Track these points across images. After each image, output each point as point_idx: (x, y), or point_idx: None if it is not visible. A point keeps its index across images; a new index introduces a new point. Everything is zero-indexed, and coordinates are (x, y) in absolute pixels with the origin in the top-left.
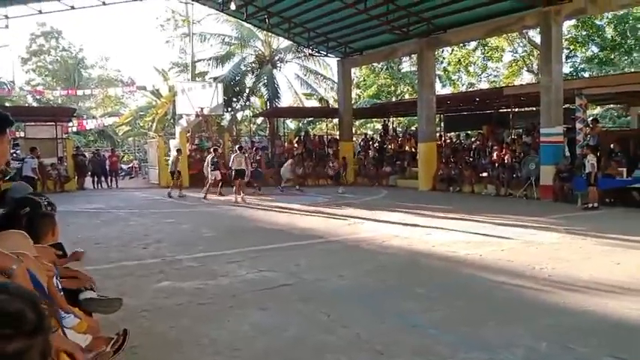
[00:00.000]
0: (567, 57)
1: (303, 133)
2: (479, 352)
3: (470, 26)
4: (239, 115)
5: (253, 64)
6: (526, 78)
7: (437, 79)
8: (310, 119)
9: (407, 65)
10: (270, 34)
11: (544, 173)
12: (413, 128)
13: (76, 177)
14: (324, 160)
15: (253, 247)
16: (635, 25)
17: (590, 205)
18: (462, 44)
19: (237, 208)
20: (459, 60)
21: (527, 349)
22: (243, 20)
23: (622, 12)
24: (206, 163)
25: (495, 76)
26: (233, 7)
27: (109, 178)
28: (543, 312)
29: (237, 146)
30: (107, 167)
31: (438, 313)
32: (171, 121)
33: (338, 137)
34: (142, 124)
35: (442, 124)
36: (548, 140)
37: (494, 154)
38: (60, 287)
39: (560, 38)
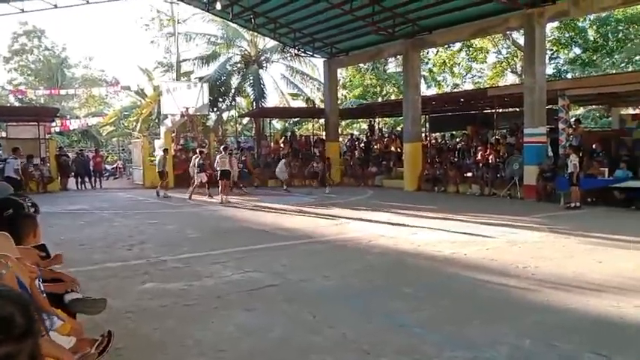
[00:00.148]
0: (550, 58)
1: (289, 134)
2: (464, 350)
3: (455, 27)
4: (225, 115)
5: (239, 64)
6: (510, 79)
7: (422, 80)
8: (296, 119)
9: (392, 66)
10: (256, 34)
11: (527, 173)
12: (398, 129)
13: (59, 178)
14: (310, 161)
15: (239, 247)
16: (616, 27)
17: (573, 205)
18: (447, 45)
19: (222, 209)
20: (444, 61)
21: (512, 347)
22: (228, 20)
23: (604, 14)
24: (192, 164)
25: (480, 77)
26: (218, 6)
27: (93, 178)
28: (527, 310)
29: (222, 146)
30: (91, 168)
31: (424, 313)
32: (156, 121)
33: (324, 137)
34: (126, 124)
35: (427, 125)
36: (532, 140)
37: (479, 155)
38: (42, 289)
39: (544, 40)
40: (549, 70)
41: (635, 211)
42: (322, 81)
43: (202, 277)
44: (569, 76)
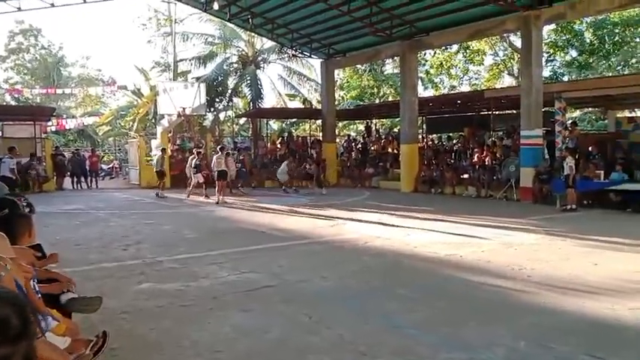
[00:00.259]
0: (547, 61)
1: (286, 134)
2: (460, 352)
3: (452, 29)
4: (222, 116)
5: (236, 65)
6: (507, 81)
7: (419, 82)
8: (293, 120)
9: (390, 67)
10: (253, 34)
11: (524, 175)
12: (395, 130)
13: (55, 177)
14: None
15: (235, 248)
16: (612, 29)
17: (569, 207)
18: (444, 47)
19: (219, 209)
20: (441, 63)
21: (508, 349)
22: (226, 20)
23: (600, 17)
24: (188, 164)
25: (476, 79)
26: (216, 7)
27: (89, 178)
28: (523, 312)
29: (219, 147)
30: (87, 167)
31: (419, 314)
32: (153, 121)
33: (321, 138)
34: (122, 124)
35: (424, 126)
36: (528, 143)
37: (475, 156)
38: (37, 289)
39: (540, 42)
40: (546, 72)
41: (630, 213)
42: (319, 82)
43: (199, 277)
44: (565, 78)
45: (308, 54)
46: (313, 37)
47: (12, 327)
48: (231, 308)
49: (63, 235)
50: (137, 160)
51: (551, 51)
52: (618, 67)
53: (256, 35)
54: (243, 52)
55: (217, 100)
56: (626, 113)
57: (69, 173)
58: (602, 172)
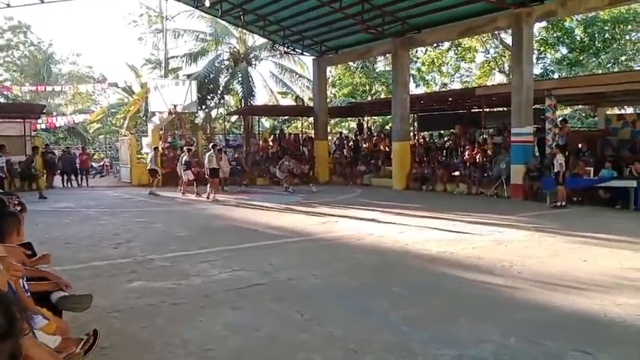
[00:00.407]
0: (538, 58)
1: (278, 132)
2: (449, 348)
3: (443, 27)
4: (213, 113)
5: (228, 62)
6: (498, 78)
7: (411, 79)
8: (285, 118)
9: (382, 65)
10: (245, 31)
11: (514, 172)
12: (387, 127)
13: (45, 175)
14: (299, 159)
15: (227, 246)
16: (602, 27)
17: (559, 204)
18: (435, 44)
19: (210, 207)
20: (433, 60)
21: (497, 345)
22: (217, 17)
23: (590, 15)
24: (179, 162)
25: (468, 76)
26: (207, 3)
27: (80, 176)
28: (513, 308)
29: (211, 144)
30: (77, 165)
31: (410, 311)
32: (144, 118)
33: (313, 136)
34: (113, 122)
35: (416, 124)
36: (519, 140)
37: (466, 154)
38: (27, 288)
39: (531, 40)
40: (536, 69)
41: (619, 210)
42: (311, 79)
43: (190, 275)
44: (556, 76)
45: (300, 51)
46: (305, 35)
47: None
48: (223, 306)
49: (53, 234)
50: (128, 158)
51: (542, 48)
52: (608, 65)
53: (248, 32)
54: (235, 49)
55: (209, 97)
56: (616, 110)
57: (59, 171)
58: (592, 169)
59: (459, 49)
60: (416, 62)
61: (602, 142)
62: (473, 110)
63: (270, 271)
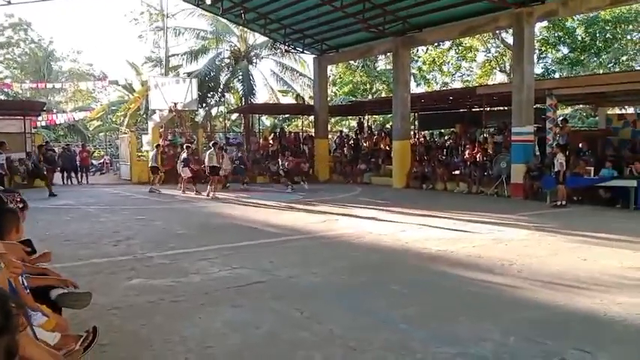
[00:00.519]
0: (539, 58)
1: (278, 130)
2: (449, 346)
3: (444, 26)
4: (213, 111)
5: (228, 60)
6: (499, 78)
7: (412, 78)
8: (286, 116)
9: (382, 63)
10: (245, 29)
11: (515, 171)
12: (388, 126)
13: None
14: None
15: (226, 244)
16: (604, 27)
17: (559, 203)
18: (436, 44)
19: (210, 205)
20: (434, 59)
21: (497, 344)
22: (218, 15)
23: (592, 14)
24: (179, 159)
25: (469, 75)
26: (208, 1)
27: (80, 173)
28: (513, 307)
29: (212, 142)
30: (77, 162)
31: (410, 309)
32: (144, 116)
33: (313, 134)
34: (113, 119)
35: (416, 123)
36: (519, 139)
37: (467, 153)
38: (26, 285)
39: (532, 39)
40: (537, 69)
41: (619, 209)
42: (312, 78)
43: (189, 273)
44: (557, 75)
45: (301, 50)
46: (306, 33)
47: None
48: (222, 304)
49: (53, 231)
50: (128, 155)
51: (543, 48)
52: (609, 65)
53: (249, 30)
54: (236, 48)
55: (209, 95)
56: (617, 110)
57: (59, 168)
58: (592, 168)
59: (460, 48)
60: (417, 61)
61: (603, 141)
62: (473, 109)
63: (270, 269)
